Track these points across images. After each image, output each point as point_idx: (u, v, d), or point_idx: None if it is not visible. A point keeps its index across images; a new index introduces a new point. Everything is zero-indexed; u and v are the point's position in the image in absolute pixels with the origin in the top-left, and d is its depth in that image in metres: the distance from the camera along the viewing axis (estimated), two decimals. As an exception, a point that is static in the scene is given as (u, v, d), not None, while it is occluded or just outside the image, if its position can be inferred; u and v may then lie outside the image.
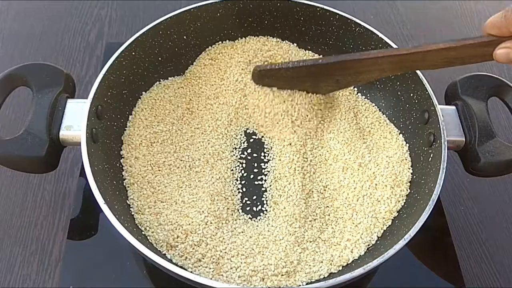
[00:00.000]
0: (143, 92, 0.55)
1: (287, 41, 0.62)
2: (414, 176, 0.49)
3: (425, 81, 0.51)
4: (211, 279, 0.42)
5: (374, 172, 0.51)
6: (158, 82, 0.57)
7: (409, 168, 0.51)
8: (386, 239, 0.45)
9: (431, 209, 0.42)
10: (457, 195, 0.57)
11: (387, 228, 0.47)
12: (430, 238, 0.51)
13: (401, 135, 0.54)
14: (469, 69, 0.55)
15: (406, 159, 0.51)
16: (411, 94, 0.53)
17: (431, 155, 0.48)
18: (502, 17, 0.36)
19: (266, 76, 0.53)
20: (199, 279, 0.38)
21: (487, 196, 0.58)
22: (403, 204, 0.48)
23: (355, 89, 0.59)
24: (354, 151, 0.53)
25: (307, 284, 0.44)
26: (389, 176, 0.50)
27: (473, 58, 0.41)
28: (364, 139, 0.54)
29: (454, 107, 0.52)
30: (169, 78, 0.58)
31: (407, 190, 0.49)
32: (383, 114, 0.56)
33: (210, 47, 0.61)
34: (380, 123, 0.55)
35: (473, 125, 0.49)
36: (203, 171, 0.51)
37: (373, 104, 0.57)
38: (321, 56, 0.61)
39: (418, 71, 0.51)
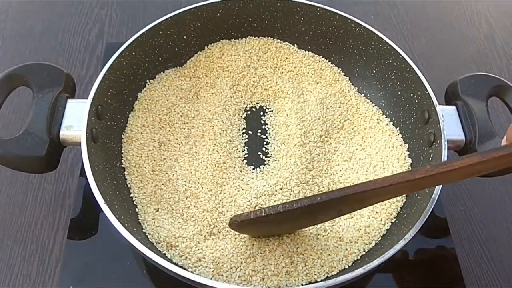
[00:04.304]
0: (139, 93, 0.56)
1: (287, 41, 0.62)
2: (414, 176, 0.49)
3: (425, 81, 0.51)
4: (211, 279, 0.42)
5: (373, 172, 0.51)
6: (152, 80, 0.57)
7: (409, 168, 0.51)
8: (386, 239, 0.45)
9: (431, 209, 0.42)
10: (457, 195, 0.57)
11: (387, 228, 0.47)
12: (430, 238, 0.51)
13: (400, 135, 0.54)
14: (469, 69, 0.55)
15: (405, 159, 0.51)
16: (411, 94, 0.53)
17: (431, 155, 0.48)
18: None
19: (250, 224, 0.42)
20: (199, 279, 0.38)
21: (487, 196, 0.58)
22: (402, 204, 0.48)
23: (356, 88, 0.59)
24: (353, 151, 0.53)
25: (307, 284, 0.44)
26: None
27: (499, 167, 0.37)
28: (364, 139, 0.54)
29: (454, 107, 0.52)
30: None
31: None
32: (383, 114, 0.56)
33: (210, 44, 0.61)
34: (380, 123, 0.55)
35: (473, 125, 0.49)
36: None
37: (373, 104, 0.57)
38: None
39: (418, 71, 0.51)
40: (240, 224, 0.42)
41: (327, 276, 0.44)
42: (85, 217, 0.51)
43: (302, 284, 0.43)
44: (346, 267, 0.45)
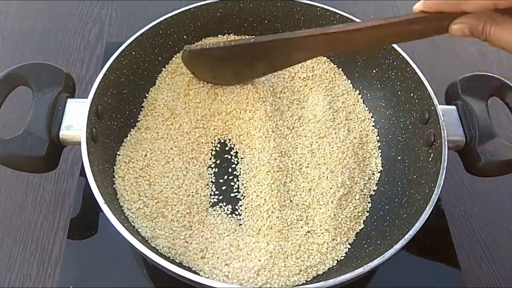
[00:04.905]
0: (146, 94, 0.56)
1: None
2: (415, 176, 0.49)
3: (425, 81, 0.51)
4: (208, 278, 0.42)
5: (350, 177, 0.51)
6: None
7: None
8: (386, 239, 0.45)
9: (431, 209, 0.42)
10: (457, 195, 0.57)
11: (363, 229, 0.49)
12: (430, 238, 0.51)
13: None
14: (469, 69, 0.55)
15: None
16: (411, 94, 0.53)
17: (431, 155, 0.48)
18: None
19: (197, 57, 0.52)
20: (199, 279, 0.38)
21: (487, 196, 0.58)
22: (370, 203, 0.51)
23: (356, 90, 0.59)
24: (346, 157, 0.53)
25: (307, 283, 0.44)
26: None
27: (403, 36, 0.42)
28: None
29: (454, 107, 0.52)
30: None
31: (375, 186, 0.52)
32: (379, 121, 0.57)
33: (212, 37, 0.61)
34: (368, 134, 0.56)
35: (473, 125, 0.49)
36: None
37: (369, 112, 0.57)
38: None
39: (418, 71, 0.51)
40: (189, 55, 0.52)
41: (326, 271, 0.45)
42: (85, 217, 0.51)
43: (304, 283, 0.43)
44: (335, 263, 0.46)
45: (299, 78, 0.59)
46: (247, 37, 0.61)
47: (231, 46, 0.50)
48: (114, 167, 0.49)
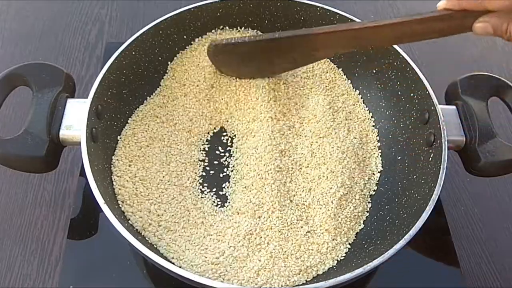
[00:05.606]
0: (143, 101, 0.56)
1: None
2: (414, 176, 0.49)
3: (425, 81, 0.51)
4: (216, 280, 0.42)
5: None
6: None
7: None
8: (386, 239, 0.45)
9: (431, 209, 0.42)
10: (457, 195, 0.57)
11: (366, 228, 0.49)
12: (430, 238, 0.51)
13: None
14: (469, 69, 0.55)
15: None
16: (411, 94, 0.53)
17: (431, 155, 0.48)
18: None
19: (222, 51, 0.53)
20: (199, 279, 0.38)
21: (487, 196, 0.58)
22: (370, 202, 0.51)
23: (356, 90, 0.59)
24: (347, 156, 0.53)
25: (307, 283, 0.44)
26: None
27: (425, 33, 0.42)
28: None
29: (454, 107, 0.52)
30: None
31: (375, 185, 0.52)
32: (379, 121, 0.57)
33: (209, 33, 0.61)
34: (368, 134, 0.56)
35: (473, 125, 0.49)
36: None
37: (369, 112, 0.57)
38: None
39: (418, 71, 0.51)
40: (214, 50, 0.53)
41: (326, 270, 0.45)
42: (85, 217, 0.51)
43: (303, 283, 0.43)
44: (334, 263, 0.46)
45: (300, 77, 0.59)
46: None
47: (256, 40, 0.51)
48: (111, 167, 0.49)
